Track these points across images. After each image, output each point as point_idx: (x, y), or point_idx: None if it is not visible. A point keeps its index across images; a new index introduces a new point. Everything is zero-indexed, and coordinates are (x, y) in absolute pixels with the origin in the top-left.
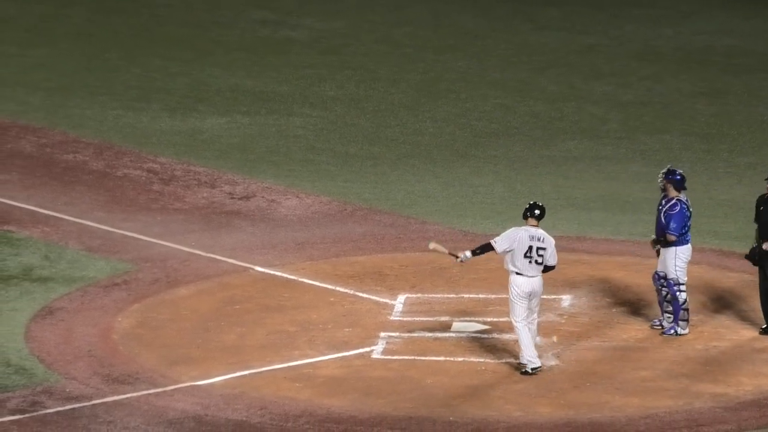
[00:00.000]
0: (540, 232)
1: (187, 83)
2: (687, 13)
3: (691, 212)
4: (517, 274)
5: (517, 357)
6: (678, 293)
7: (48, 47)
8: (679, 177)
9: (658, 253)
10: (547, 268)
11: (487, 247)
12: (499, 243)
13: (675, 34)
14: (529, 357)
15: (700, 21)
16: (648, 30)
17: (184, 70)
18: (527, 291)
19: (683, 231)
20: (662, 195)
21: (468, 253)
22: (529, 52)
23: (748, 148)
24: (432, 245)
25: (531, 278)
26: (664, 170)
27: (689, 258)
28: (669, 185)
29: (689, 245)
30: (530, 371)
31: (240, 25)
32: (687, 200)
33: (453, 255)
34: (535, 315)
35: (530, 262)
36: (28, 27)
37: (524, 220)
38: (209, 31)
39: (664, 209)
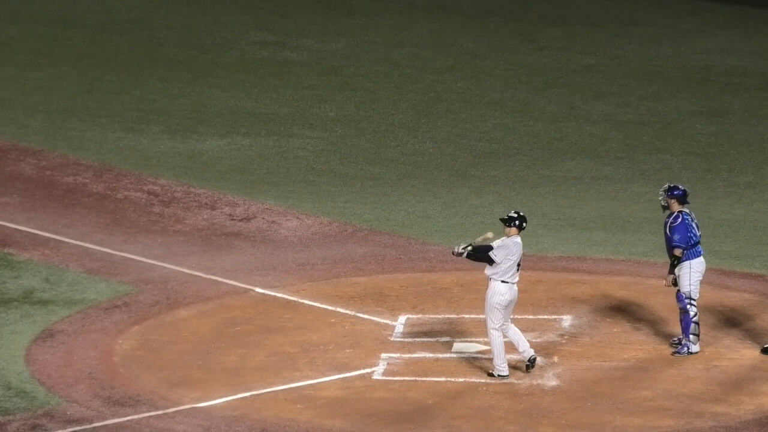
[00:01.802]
0: (520, 241)
1: (187, 105)
2: (687, 33)
3: (697, 224)
4: (503, 282)
5: (520, 377)
6: (689, 306)
7: (48, 69)
8: (681, 192)
9: (674, 283)
10: None
11: (487, 260)
12: (498, 256)
13: (675, 54)
14: (500, 365)
15: (700, 40)
16: (648, 49)
17: (184, 91)
18: (509, 299)
19: (690, 242)
20: (666, 213)
21: (460, 249)
22: (529, 72)
23: (747, 168)
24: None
25: (513, 286)
26: (665, 187)
27: (703, 272)
28: (672, 201)
29: (701, 259)
30: (495, 375)
31: (240, 47)
32: (690, 212)
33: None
34: (510, 320)
35: (517, 270)
36: (29, 49)
37: (508, 228)
38: (209, 52)
39: (668, 224)
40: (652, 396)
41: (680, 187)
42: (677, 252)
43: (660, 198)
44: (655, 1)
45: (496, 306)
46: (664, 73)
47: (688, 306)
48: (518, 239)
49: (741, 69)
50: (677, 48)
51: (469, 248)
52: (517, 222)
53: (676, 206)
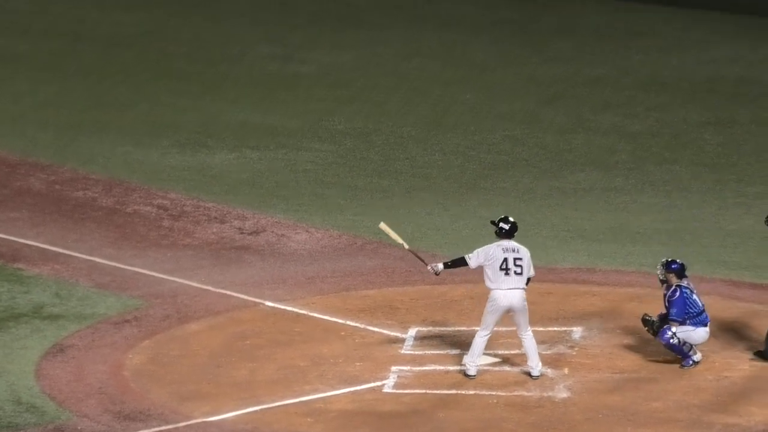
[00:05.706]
0: (513, 243)
1: (196, 119)
2: (693, 43)
3: (698, 295)
4: (496, 289)
5: (528, 389)
6: (671, 341)
7: (58, 84)
8: (679, 266)
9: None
10: (528, 281)
11: (461, 262)
12: (473, 259)
13: (682, 64)
14: (470, 362)
15: (707, 51)
16: (655, 60)
17: (193, 105)
18: (505, 305)
19: (690, 314)
20: (665, 287)
21: (440, 266)
22: (538, 83)
23: (756, 178)
24: (382, 225)
25: (509, 291)
26: (662, 261)
27: (705, 339)
28: (671, 275)
29: (706, 329)
30: (466, 374)
31: (249, 60)
32: (689, 285)
33: (424, 263)
34: (528, 331)
35: (507, 273)
36: (39, 64)
37: (498, 237)
38: (218, 66)
39: (666, 297)
40: (662, 407)
41: (678, 261)
42: (674, 326)
43: (658, 272)
44: (662, 12)
45: (487, 310)
46: (672, 84)
47: (671, 341)
48: (505, 242)
49: (748, 79)
50: (684, 58)
51: (440, 265)
52: (497, 228)
53: (674, 280)
